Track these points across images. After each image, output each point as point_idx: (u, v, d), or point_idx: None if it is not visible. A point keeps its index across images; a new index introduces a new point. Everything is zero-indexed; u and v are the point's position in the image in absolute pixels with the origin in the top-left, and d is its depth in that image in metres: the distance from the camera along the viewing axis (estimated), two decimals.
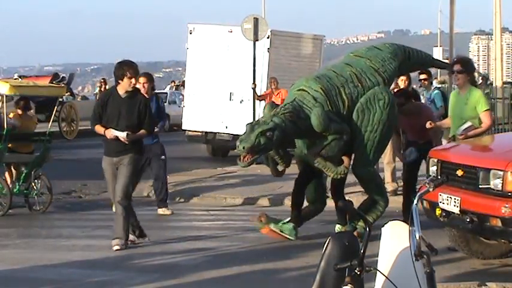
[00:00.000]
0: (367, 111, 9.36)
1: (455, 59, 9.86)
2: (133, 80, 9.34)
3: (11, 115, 13.16)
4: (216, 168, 17.59)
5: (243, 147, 8.61)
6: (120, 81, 9.35)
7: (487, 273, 8.23)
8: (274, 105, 9.33)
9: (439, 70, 52.75)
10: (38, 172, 12.61)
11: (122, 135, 9.25)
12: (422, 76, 14.08)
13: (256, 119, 8.94)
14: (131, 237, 9.63)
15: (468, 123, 9.16)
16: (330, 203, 12.31)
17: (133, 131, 9.31)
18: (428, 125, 9.70)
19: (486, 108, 9.27)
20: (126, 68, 9.31)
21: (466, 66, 9.43)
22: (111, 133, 9.29)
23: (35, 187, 12.53)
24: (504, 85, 25.97)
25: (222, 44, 20.08)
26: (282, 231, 9.60)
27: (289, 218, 9.74)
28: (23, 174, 12.54)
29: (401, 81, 13.45)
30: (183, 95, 27.06)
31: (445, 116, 14.93)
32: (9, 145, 12.54)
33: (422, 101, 15.60)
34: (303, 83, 9.38)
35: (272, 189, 14.03)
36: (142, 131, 9.42)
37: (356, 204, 10.01)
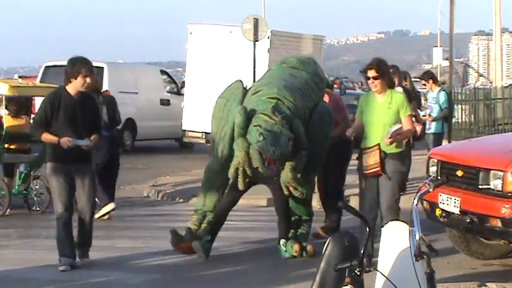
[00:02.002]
0: (319, 128, 8.99)
1: (368, 64, 8.56)
2: (88, 79, 8.43)
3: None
4: None
5: (280, 153, 8.10)
6: (72, 80, 8.38)
7: (487, 273, 8.23)
8: (245, 109, 8.55)
9: (439, 70, 52.36)
10: (37, 172, 12.60)
11: (86, 143, 8.39)
12: (423, 80, 14.09)
13: (268, 124, 8.26)
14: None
15: (398, 125, 8.36)
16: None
17: (90, 135, 8.46)
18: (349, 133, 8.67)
19: (410, 113, 8.58)
20: (80, 65, 8.40)
21: (381, 70, 8.45)
22: (73, 143, 8.29)
23: (34, 187, 12.53)
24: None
25: (222, 44, 20.08)
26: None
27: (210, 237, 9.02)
28: (22, 175, 12.53)
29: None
30: (183, 96, 27.05)
31: (448, 117, 15.00)
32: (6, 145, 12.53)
33: (423, 101, 15.66)
34: (275, 91, 8.77)
35: None
36: (96, 136, 8.55)
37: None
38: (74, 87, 8.41)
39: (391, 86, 8.76)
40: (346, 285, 4.35)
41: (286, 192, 8.74)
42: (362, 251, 4.48)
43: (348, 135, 8.65)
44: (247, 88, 9.37)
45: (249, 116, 8.48)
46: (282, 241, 9.00)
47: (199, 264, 8.64)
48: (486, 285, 7.46)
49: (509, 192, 7.41)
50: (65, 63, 8.68)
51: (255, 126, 8.39)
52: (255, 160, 8.32)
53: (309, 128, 8.87)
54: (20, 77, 27.22)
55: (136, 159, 19.93)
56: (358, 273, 4.37)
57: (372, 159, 8.32)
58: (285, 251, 8.92)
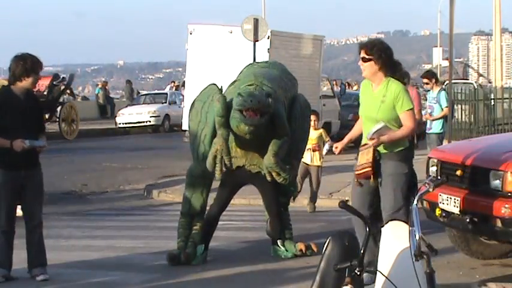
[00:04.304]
0: (301, 118, 9.04)
1: (361, 43, 7.47)
2: (37, 78, 7.91)
3: None
4: None
5: (257, 101, 8.00)
6: (24, 79, 7.74)
7: (487, 273, 8.23)
8: (224, 97, 8.58)
9: (439, 70, 52.36)
10: None
11: (41, 144, 7.82)
12: (425, 78, 14.07)
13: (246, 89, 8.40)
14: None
15: (381, 123, 7.16)
16: (328, 203, 12.34)
17: (38, 137, 7.87)
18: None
19: (409, 107, 7.27)
20: (30, 63, 7.78)
21: (371, 52, 7.24)
22: (30, 144, 7.68)
23: None
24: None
25: (222, 44, 20.08)
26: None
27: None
28: None
29: None
30: (183, 96, 27.07)
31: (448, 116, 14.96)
32: None
33: (423, 101, 15.62)
34: (252, 78, 8.74)
35: None
36: (44, 136, 8.05)
37: None
38: (23, 86, 7.80)
39: (393, 72, 7.40)
40: (346, 285, 4.36)
41: (269, 178, 8.58)
42: (362, 251, 4.48)
43: (335, 151, 7.73)
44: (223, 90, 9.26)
45: (228, 106, 8.43)
46: (279, 241, 9.00)
47: (199, 264, 8.63)
48: (486, 285, 7.47)
49: (509, 192, 7.41)
50: None
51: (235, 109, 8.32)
52: (236, 120, 8.16)
53: (291, 118, 8.88)
54: None
55: (137, 159, 19.95)
56: (358, 273, 4.37)
57: (363, 158, 7.26)
58: (286, 251, 8.92)
